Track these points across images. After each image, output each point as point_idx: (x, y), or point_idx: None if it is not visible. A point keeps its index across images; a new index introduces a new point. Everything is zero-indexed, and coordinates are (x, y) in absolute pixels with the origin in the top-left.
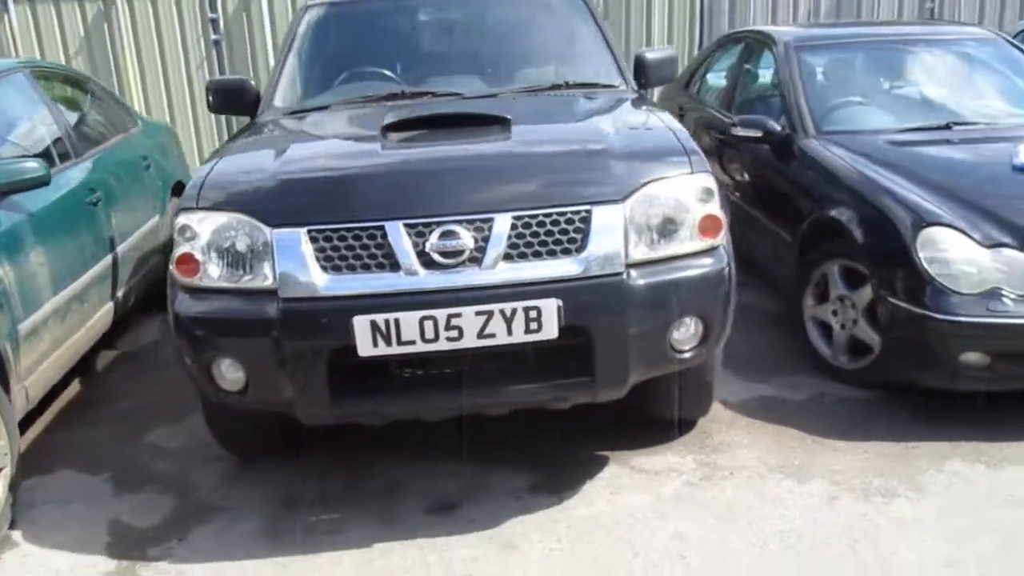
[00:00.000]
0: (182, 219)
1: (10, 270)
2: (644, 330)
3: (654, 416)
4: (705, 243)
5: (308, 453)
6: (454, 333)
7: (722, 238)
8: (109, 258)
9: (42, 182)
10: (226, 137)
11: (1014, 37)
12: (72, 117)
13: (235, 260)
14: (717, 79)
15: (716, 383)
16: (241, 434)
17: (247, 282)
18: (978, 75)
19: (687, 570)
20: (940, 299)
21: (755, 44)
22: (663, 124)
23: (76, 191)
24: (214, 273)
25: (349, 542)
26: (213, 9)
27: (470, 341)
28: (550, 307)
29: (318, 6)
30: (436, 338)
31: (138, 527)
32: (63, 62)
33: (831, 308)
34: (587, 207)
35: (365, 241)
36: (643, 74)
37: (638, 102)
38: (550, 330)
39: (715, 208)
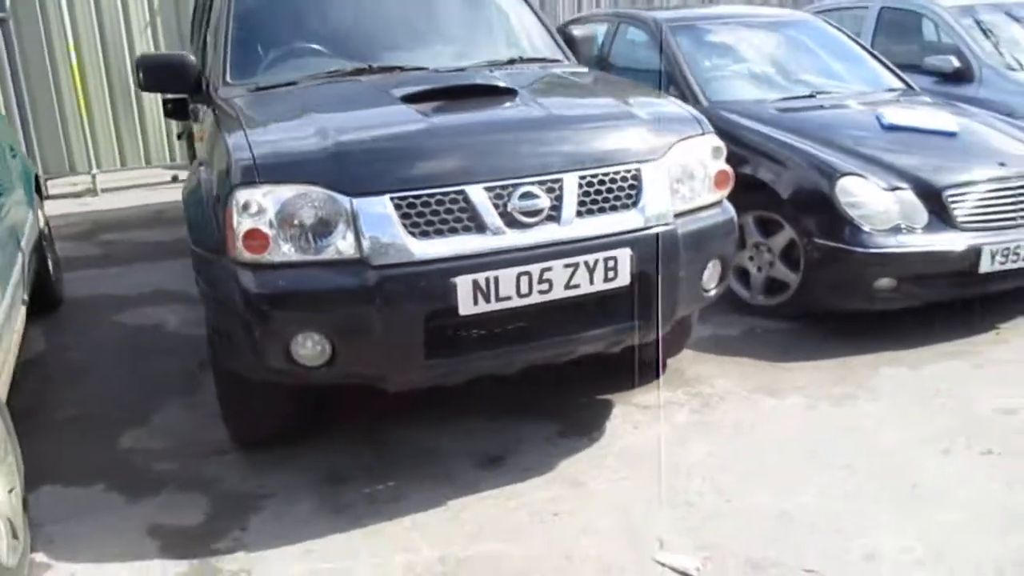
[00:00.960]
0: (243, 195)
1: None
2: (688, 273)
3: (640, 360)
4: (718, 195)
5: (326, 433)
6: (545, 286)
7: (728, 190)
8: (20, 257)
9: None
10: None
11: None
12: None
13: (309, 232)
14: None
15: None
16: (263, 419)
17: (328, 253)
18: (810, 51)
19: (739, 479)
20: (859, 235)
21: (623, 26)
22: (655, 93)
23: None
24: (285, 248)
25: (419, 504)
26: None
27: (558, 292)
28: (624, 256)
29: None
30: (530, 292)
31: (186, 526)
32: None
33: (747, 255)
34: (637, 165)
35: (448, 205)
36: (572, 49)
37: (609, 76)
38: (624, 277)
39: (725, 164)
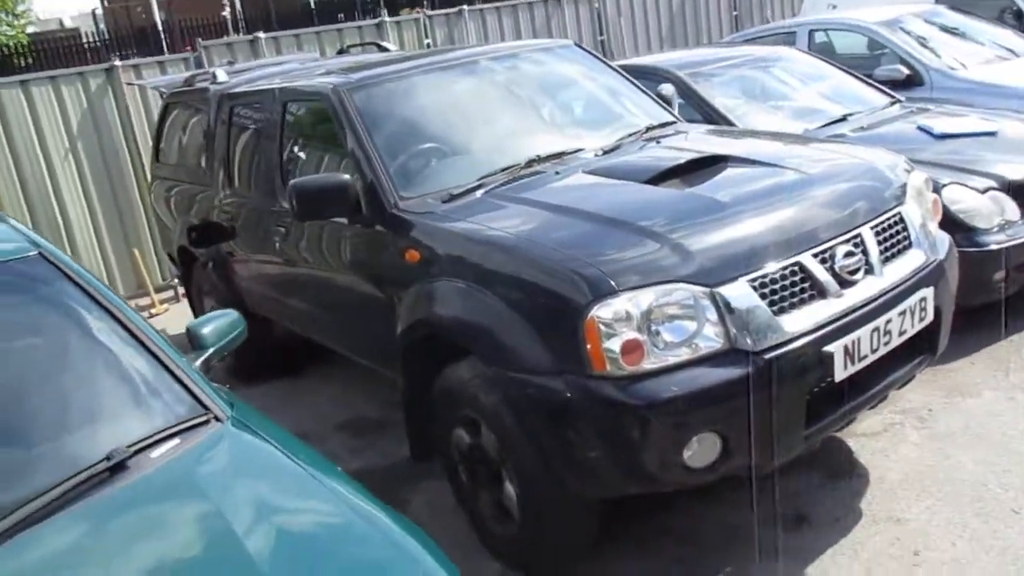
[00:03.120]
0: (604, 308)
1: None
2: (951, 299)
3: None
4: (935, 221)
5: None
6: (888, 337)
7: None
8: None
9: (245, 336)
10: None
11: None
12: None
13: (674, 332)
14: None
15: None
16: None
17: (698, 349)
18: (803, 81)
19: None
20: (975, 237)
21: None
22: (839, 143)
23: None
24: (659, 351)
25: None
26: None
27: (896, 340)
28: (930, 294)
29: (354, 88)
30: (879, 346)
31: None
32: None
33: None
34: (897, 207)
35: (792, 278)
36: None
37: (754, 132)
38: (930, 315)
39: (934, 193)
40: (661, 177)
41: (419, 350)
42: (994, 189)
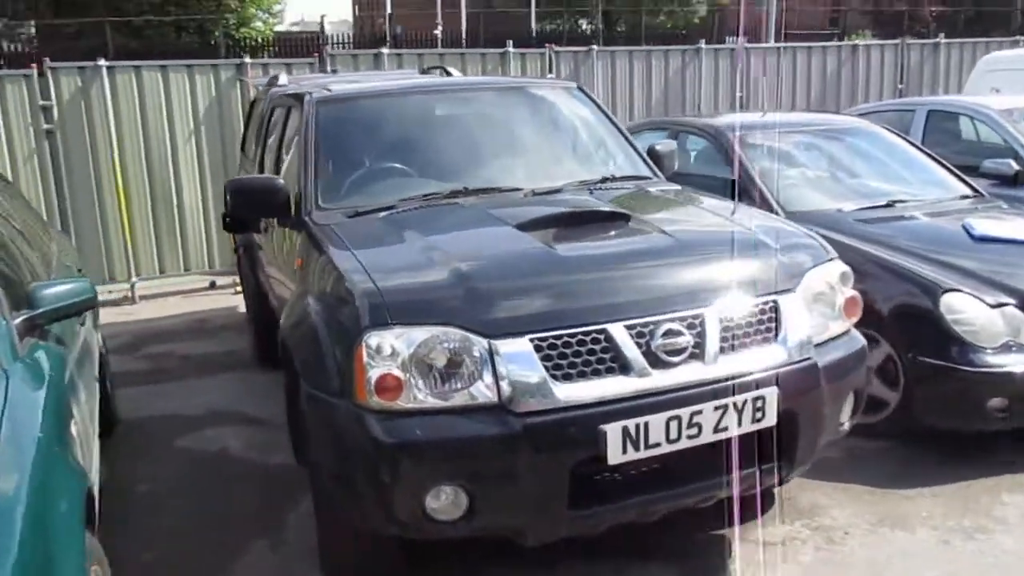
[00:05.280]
0: (374, 338)
1: (77, 411)
2: (830, 409)
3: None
4: (848, 323)
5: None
6: (694, 431)
7: (858, 318)
8: (96, 383)
9: (91, 304)
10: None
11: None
12: (26, 229)
13: (444, 377)
14: None
15: None
16: (371, 571)
17: (462, 399)
18: (874, 159)
19: None
20: (969, 354)
21: (682, 135)
22: (767, 215)
23: None
24: (419, 393)
25: None
26: (45, 96)
27: (707, 437)
28: (772, 395)
29: (327, 101)
30: (679, 437)
31: None
32: None
33: None
34: (773, 296)
35: (590, 346)
36: (657, 164)
37: (706, 195)
38: (771, 418)
39: (853, 290)
40: (534, 224)
41: (288, 358)
42: (1011, 306)
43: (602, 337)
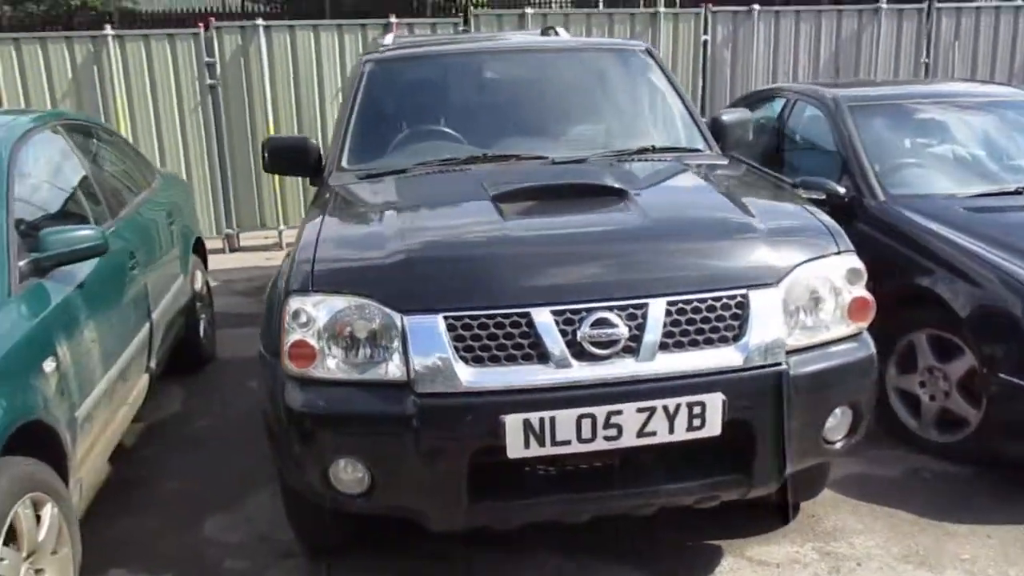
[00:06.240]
0: (294, 303)
1: (67, 351)
2: (803, 423)
3: (763, 500)
4: (854, 327)
5: (394, 550)
6: (613, 432)
7: (868, 322)
8: (147, 327)
9: (100, 251)
10: (220, 188)
11: None
12: (104, 175)
13: (357, 349)
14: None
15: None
16: (326, 531)
17: (373, 374)
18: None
19: None
20: None
21: (797, 103)
22: (795, 198)
23: (118, 257)
24: (332, 363)
25: None
26: (210, 53)
27: (629, 440)
28: (715, 402)
29: (379, 62)
30: (593, 437)
31: None
32: (49, 106)
33: (918, 379)
34: (743, 291)
35: (509, 329)
36: (720, 137)
37: (748, 171)
38: (713, 427)
39: (864, 290)
40: (512, 196)
41: None
42: None
43: (523, 322)
